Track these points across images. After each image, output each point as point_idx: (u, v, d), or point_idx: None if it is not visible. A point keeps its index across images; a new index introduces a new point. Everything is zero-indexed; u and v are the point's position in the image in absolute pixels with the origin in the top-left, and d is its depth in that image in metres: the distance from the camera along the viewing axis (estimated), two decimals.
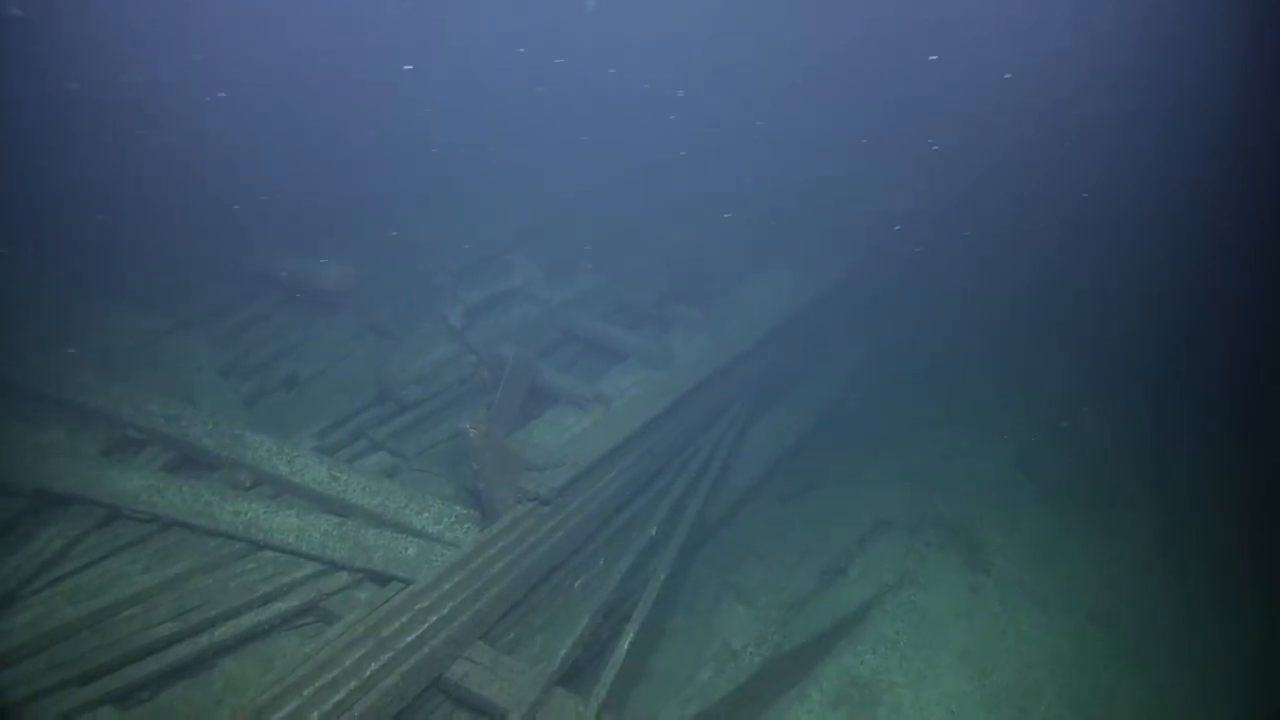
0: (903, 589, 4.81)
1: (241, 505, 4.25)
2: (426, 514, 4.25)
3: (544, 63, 9.35)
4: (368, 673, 3.39)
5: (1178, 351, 6.85)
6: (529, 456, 4.37)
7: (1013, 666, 4.35)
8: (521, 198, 8.11)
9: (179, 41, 7.94)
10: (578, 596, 4.35)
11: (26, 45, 7.14)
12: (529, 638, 4.12)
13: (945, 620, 4.62)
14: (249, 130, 7.78)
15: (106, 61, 7.39)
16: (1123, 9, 8.87)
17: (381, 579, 3.99)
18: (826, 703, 4.10)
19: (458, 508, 4.30)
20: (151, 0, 7.59)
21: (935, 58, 8.88)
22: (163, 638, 3.68)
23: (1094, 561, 5.11)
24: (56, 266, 6.32)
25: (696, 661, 4.39)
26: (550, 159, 8.85)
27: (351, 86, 8.72)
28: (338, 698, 3.29)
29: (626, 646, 3.87)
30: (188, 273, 6.55)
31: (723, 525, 5.46)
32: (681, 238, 7.37)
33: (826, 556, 5.19)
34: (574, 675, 3.92)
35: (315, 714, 3.22)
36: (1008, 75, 8.58)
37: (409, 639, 3.54)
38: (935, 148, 8.22)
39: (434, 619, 3.64)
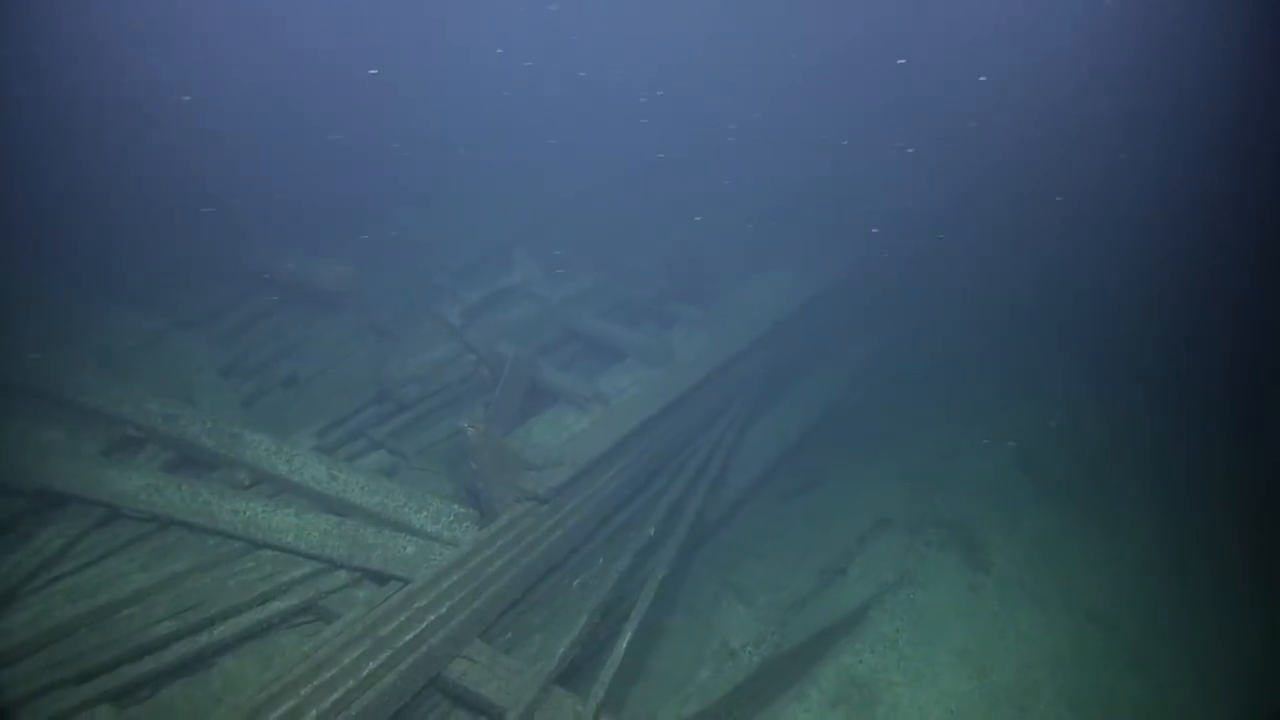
0: (902, 588, 4.81)
1: (240, 504, 4.25)
2: (425, 513, 4.25)
3: (514, 65, 9.32)
4: (366, 671, 3.39)
5: (1178, 351, 6.85)
6: (527, 455, 4.37)
7: (1012, 666, 4.35)
8: (521, 197, 8.12)
9: (179, 41, 7.95)
10: (576, 596, 4.35)
11: (26, 45, 7.15)
12: (527, 636, 4.12)
13: (945, 620, 4.62)
14: (249, 130, 7.78)
15: (106, 62, 7.40)
16: (1123, 9, 8.88)
17: (380, 578, 3.99)
18: (825, 702, 4.09)
19: (456, 507, 4.30)
20: (151, 0, 7.60)
21: (903, 61, 8.88)
22: (161, 636, 3.68)
23: (1094, 561, 5.10)
24: (56, 266, 6.32)
25: (695, 661, 4.39)
26: (550, 159, 8.85)
27: (351, 86, 8.73)
28: (335, 696, 3.29)
29: (625, 645, 3.87)
30: (187, 272, 6.56)
31: (722, 524, 5.45)
32: (681, 237, 7.36)
33: (826, 555, 5.18)
34: (572, 674, 3.92)
35: (313, 712, 3.22)
36: (982, 78, 8.57)
37: (407, 638, 3.55)
38: (910, 151, 8.21)
39: (432, 618, 3.64)
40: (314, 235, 7.06)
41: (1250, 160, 7.59)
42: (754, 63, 10.09)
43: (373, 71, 7.31)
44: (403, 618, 3.61)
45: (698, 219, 7.06)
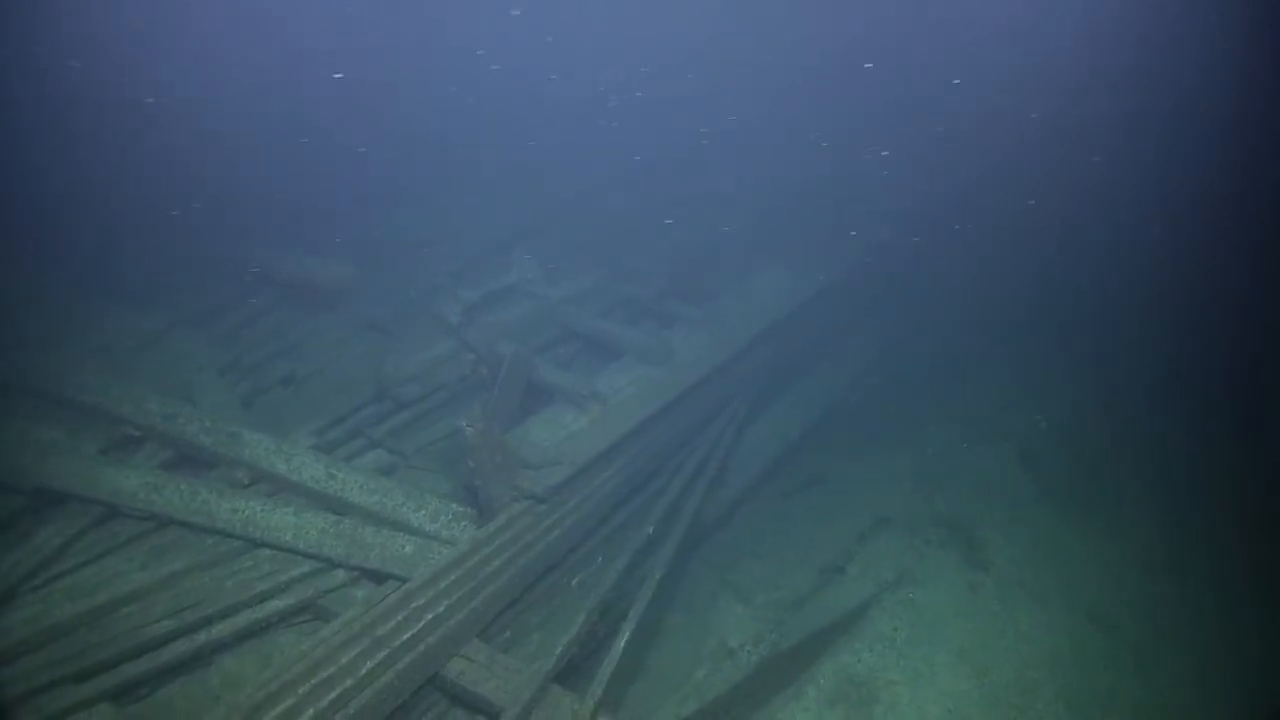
0: (901, 587, 4.81)
1: (239, 503, 4.25)
2: (423, 512, 4.25)
3: (480, 67, 9.27)
4: (363, 670, 3.39)
5: (1178, 351, 6.84)
6: (525, 454, 4.37)
7: (1011, 665, 4.35)
8: (521, 197, 8.12)
9: (179, 41, 7.96)
10: (574, 595, 4.35)
11: (26, 45, 7.16)
12: (525, 635, 4.12)
13: (944, 619, 4.62)
14: (248, 130, 7.79)
15: (106, 61, 7.41)
16: (1123, 8, 8.87)
17: (378, 577, 4.00)
18: (823, 701, 4.09)
19: (455, 505, 4.30)
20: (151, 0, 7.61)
21: (870, 66, 8.89)
22: (160, 635, 3.68)
23: (1094, 561, 5.10)
24: (56, 266, 6.33)
25: (693, 659, 4.39)
26: (550, 159, 8.85)
27: (351, 86, 8.74)
28: (333, 695, 3.29)
29: (623, 644, 3.87)
30: (187, 272, 6.56)
31: (721, 523, 5.45)
32: (681, 236, 7.37)
33: (825, 554, 5.18)
34: (571, 673, 3.92)
35: (311, 711, 3.23)
36: (956, 81, 8.57)
37: (405, 636, 3.55)
38: (885, 154, 8.22)
39: (430, 617, 3.64)
40: (313, 235, 7.06)
41: (1250, 160, 7.58)
42: (745, 65, 10.09)
43: (338, 75, 7.28)
44: (400, 617, 3.61)
45: (668, 221, 7.05)
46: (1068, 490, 5.68)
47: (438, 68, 9.70)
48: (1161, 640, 4.59)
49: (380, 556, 4.00)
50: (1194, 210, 7.70)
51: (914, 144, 8.69)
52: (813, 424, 6.35)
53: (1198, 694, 4.31)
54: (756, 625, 4.59)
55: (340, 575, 4.01)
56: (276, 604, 3.89)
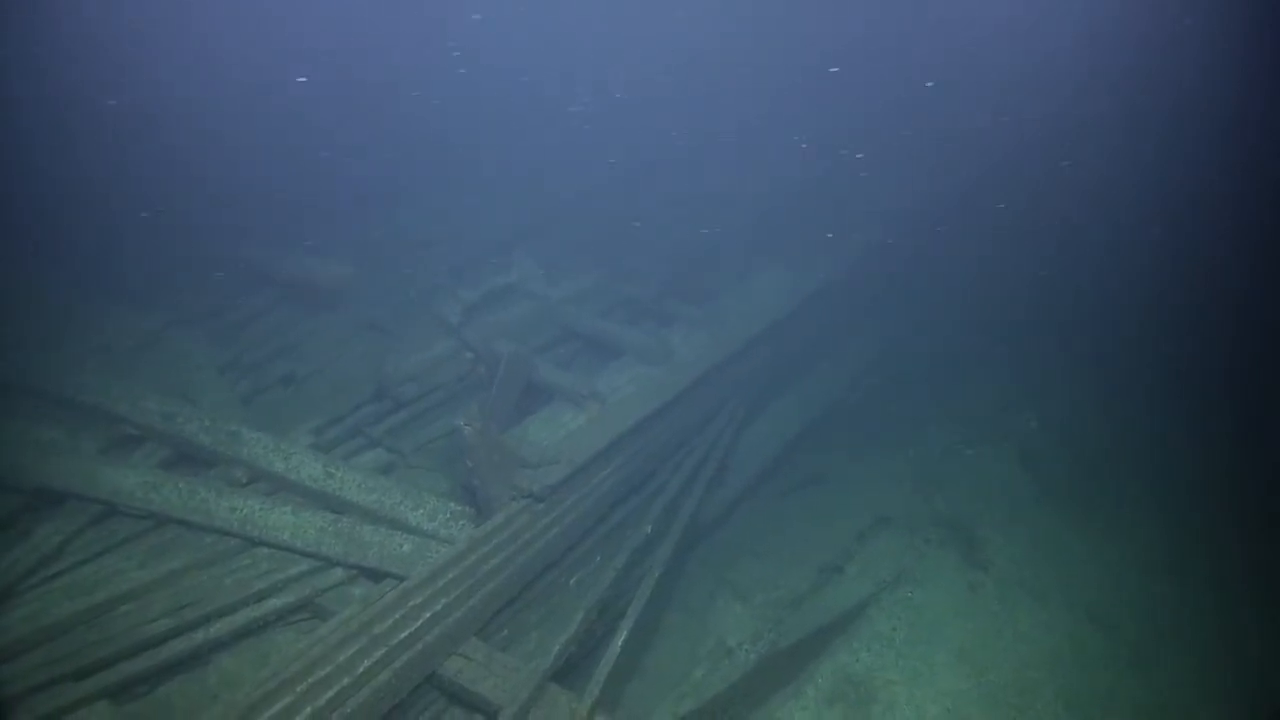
0: (900, 586, 4.80)
1: (237, 502, 4.26)
2: (421, 510, 4.25)
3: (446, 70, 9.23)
4: (361, 669, 3.39)
5: (1178, 351, 6.84)
6: (524, 453, 4.37)
7: (1010, 665, 4.34)
8: (521, 196, 8.12)
9: (179, 41, 7.97)
10: (573, 593, 4.35)
11: (26, 46, 7.18)
12: (524, 634, 4.12)
13: (943, 618, 4.61)
14: (247, 130, 7.80)
15: (105, 61, 7.42)
16: (1123, 8, 8.85)
17: (376, 575, 4.00)
18: (822, 700, 4.09)
19: (453, 504, 4.30)
20: (151, 0, 7.63)
21: (836, 69, 8.89)
22: (158, 633, 3.69)
23: (1094, 560, 5.09)
24: (56, 266, 6.34)
25: (691, 658, 4.38)
26: (549, 158, 8.85)
27: (350, 86, 8.75)
28: (331, 693, 3.29)
29: (620, 643, 3.86)
30: (186, 271, 6.57)
31: (720, 522, 5.45)
32: (680, 235, 7.38)
33: (824, 553, 5.18)
34: (569, 672, 3.91)
35: (308, 709, 3.23)
36: (929, 84, 8.58)
37: (402, 635, 3.55)
38: (859, 156, 8.22)
39: (428, 615, 3.64)
40: (313, 235, 7.07)
41: (1250, 159, 7.57)
42: (744, 65, 10.08)
43: (301, 80, 7.28)
44: (398, 615, 3.61)
45: (636, 224, 7.03)
46: (1068, 490, 5.68)
47: (408, 69, 9.69)
48: (1161, 640, 4.58)
49: (378, 555, 4.00)
50: (1194, 210, 7.70)
51: (912, 144, 8.69)
52: (812, 423, 6.35)
53: (1197, 694, 4.30)
54: (755, 624, 4.58)
55: (338, 574, 4.02)
56: (274, 602, 3.89)
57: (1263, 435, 5.96)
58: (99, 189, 6.80)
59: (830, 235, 7.02)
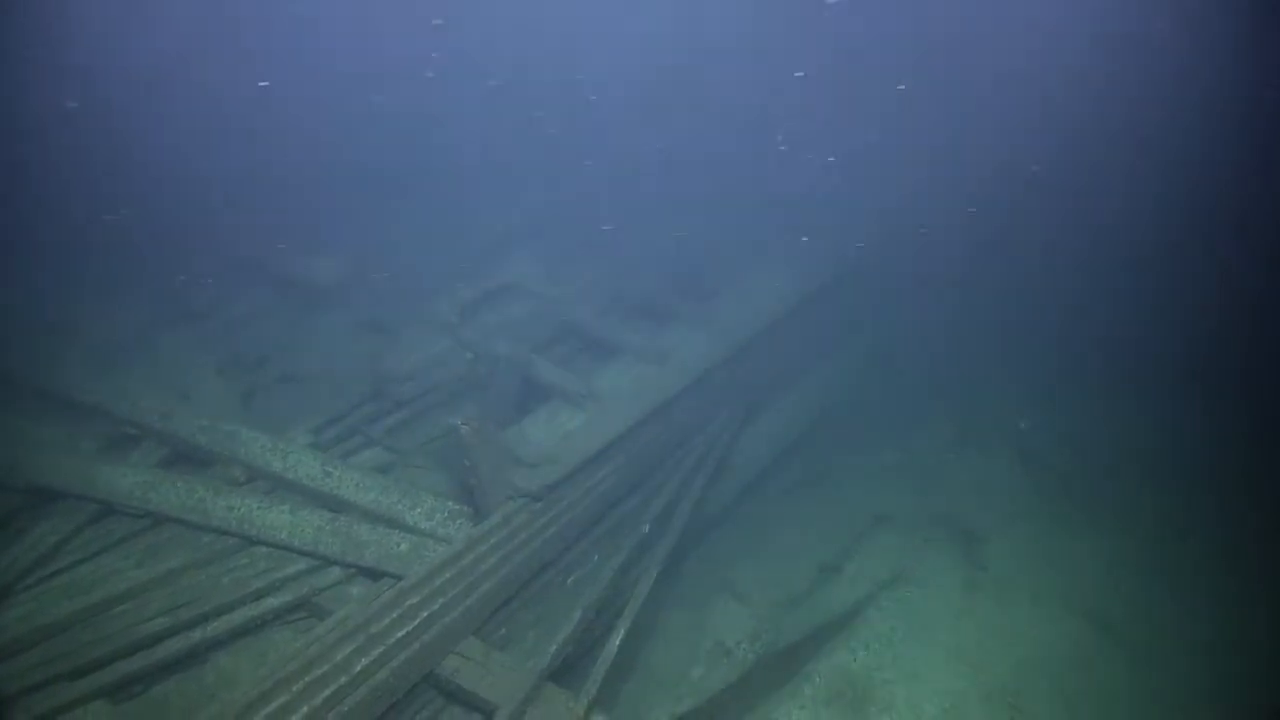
0: (899, 586, 4.80)
1: (235, 501, 4.25)
2: (419, 510, 4.25)
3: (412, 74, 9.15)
4: (358, 668, 3.39)
5: (1179, 351, 6.83)
6: (521, 453, 4.37)
7: (1007, 664, 4.33)
8: (520, 195, 8.11)
9: (177, 40, 7.96)
10: (571, 593, 4.34)
11: (27, 46, 7.17)
12: (521, 633, 4.11)
13: (941, 617, 4.61)
14: (246, 129, 7.80)
15: (110, 61, 7.41)
16: (1143, 9, 8.78)
17: (374, 574, 4.00)
18: (819, 699, 4.08)
19: (450, 504, 4.29)
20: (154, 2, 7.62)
21: (801, 74, 8.87)
22: (155, 632, 3.69)
23: (1092, 560, 5.08)
24: (54, 264, 6.34)
25: (689, 658, 4.39)
26: (548, 157, 8.83)
27: (348, 86, 8.74)
28: (328, 692, 3.29)
29: (618, 642, 3.87)
30: (184, 270, 6.56)
31: (718, 522, 5.45)
32: (679, 234, 7.36)
33: (823, 553, 5.18)
34: (567, 671, 3.91)
35: (305, 708, 3.23)
36: (901, 86, 8.56)
37: (400, 634, 3.55)
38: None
39: (425, 614, 3.64)
40: (312, 234, 7.06)
41: (1264, 158, 7.54)
42: (743, 65, 10.05)
43: (263, 84, 7.25)
44: (395, 614, 3.61)
45: (607, 228, 7.00)
46: (1066, 489, 5.68)
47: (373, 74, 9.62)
48: (1159, 639, 4.57)
49: (375, 554, 4.00)
50: (1207, 209, 7.68)
51: (912, 144, 8.68)
52: (811, 422, 6.35)
53: (1196, 693, 4.29)
54: (753, 624, 4.58)
55: (336, 573, 4.02)
56: (272, 601, 3.90)
57: (1262, 435, 5.96)
58: (97, 187, 6.79)
59: (827, 235, 7.00)
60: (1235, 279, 7.25)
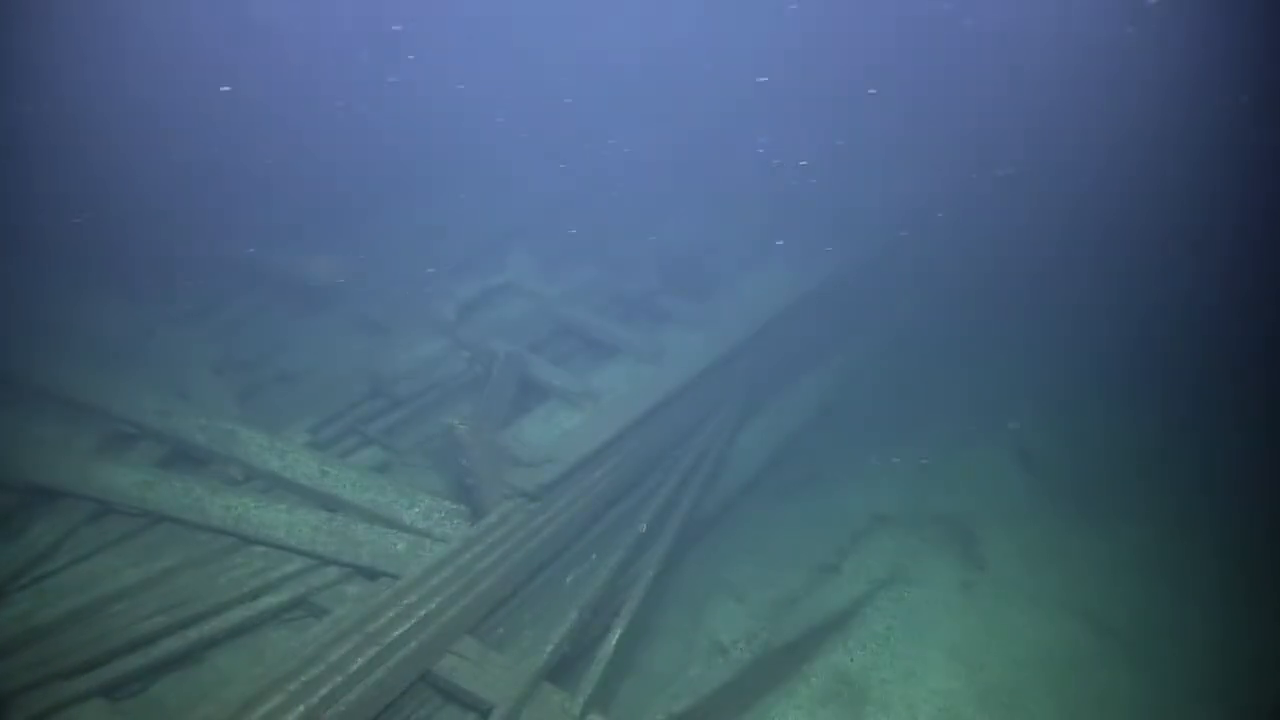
0: (896, 585, 4.81)
1: (232, 500, 4.25)
2: (416, 509, 4.25)
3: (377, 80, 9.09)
4: (354, 667, 3.40)
5: (1179, 351, 6.83)
6: (518, 452, 4.37)
7: (1004, 664, 4.34)
8: (517, 193, 8.10)
9: (175, 42, 7.95)
10: (568, 592, 4.35)
11: (26, 44, 7.16)
12: (518, 633, 4.11)
13: (937, 617, 4.61)
14: (243, 127, 7.79)
15: (108, 61, 7.41)
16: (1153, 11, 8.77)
17: (370, 574, 4.00)
18: (815, 699, 4.09)
19: (447, 503, 4.30)
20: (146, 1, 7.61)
21: (764, 79, 8.88)
22: (152, 631, 3.69)
23: (1090, 560, 5.09)
24: (52, 262, 6.33)
25: (686, 657, 4.39)
26: (545, 156, 8.82)
27: (346, 84, 8.73)
28: (324, 692, 3.29)
29: (614, 641, 3.87)
30: (181, 268, 6.56)
31: (716, 521, 5.44)
32: (677, 232, 7.36)
33: (820, 552, 5.18)
34: (564, 671, 3.92)
35: (301, 708, 3.23)
36: (872, 90, 8.57)
37: (396, 634, 3.55)
38: (761, 150, 8.22)
39: (421, 614, 3.65)
40: (311, 233, 7.06)
41: (1265, 159, 7.53)
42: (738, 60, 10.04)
43: (225, 89, 7.24)
44: (392, 614, 3.61)
45: (573, 231, 6.96)
46: (1064, 489, 5.68)
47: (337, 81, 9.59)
48: (1156, 640, 4.58)
49: (372, 553, 4.01)
50: (1207, 208, 7.68)
51: (910, 142, 8.68)
52: (810, 421, 6.34)
53: (1194, 694, 4.30)
54: (750, 623, 4.58)
55: (332, 572, 4.02)
56: (269, 600, 3.90)
57: (1261, 435, 5.96)
58: (96, 186, 6.79)
59: (781, 242, 7.00)
60: (1234, 277, 7.25)
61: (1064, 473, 5.87)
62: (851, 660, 4.30)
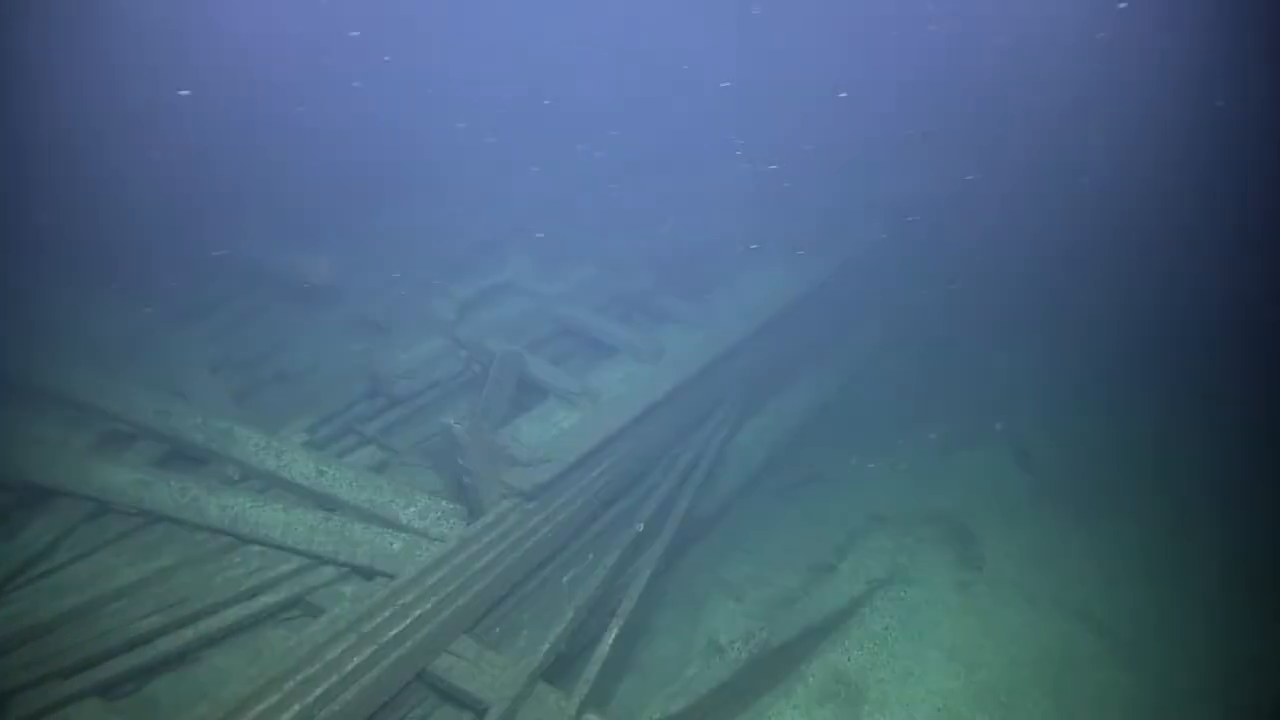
0: (893, 585, 4.81)
1: (228, 499, 4.25)
2: (413, 509, 4.24)
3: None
4: (350, 666, 3.39)
5: (1179, 351, 6.83)
6: (515, 452, 4.36)
7: (1001, 664, 4.35)
8: (515, 193, 8.09)
9: (177, 40, 7.94)
10: (565, 592, 4.35)
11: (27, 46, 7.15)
12: (515, 632, 4.12)
13: (935, 617, 4.62)
14: (240, 126, 7.79)
15: (107, 59, 7.40)
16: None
17: (367, 573, 4.00)
18: (812, 699, 4.09)
19: (444, 503, 4.29)
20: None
21: (727, 84, 8.87)
22: (148, 631, 3.68)
23: (1087, 560, 5.10)
24: (49, 260, 6.33)
25: (683, 656, 4.40)
26: (544, 155, 8.82)
27: (344, 84, 8.72)
28: (319, 691, 3.29)
29: (611, 641, 3.87)
30: (179, 267, 6.56)
31: (714, 520, 5.45)
32: (675, 232, 7.36)
33: (818, 552, 5.19)
34: (561, 670, 3.92)
35: (296, 707, 3.22)
36: (842, 94, 8.60)
37: (392, 633, 3.55)
38: (738, 153, 8.23)
39: (417, 613, 3.64)
40: (309, 232, 7.05)
41: (1266, 159, 7.53)
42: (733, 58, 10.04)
43: (183, 92, 7.23)
44: (388, 613, 3.60)
45: (539, 236, 6.98)
46: (1065, 489, 5.68)
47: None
48: (1154, 639, 4.58)
49: (369, 553, 4.00)
50: (1209, 210, 7.67)
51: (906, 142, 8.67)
52: (808, 421, 6.35)
53: (1193, 694, 4.30)
54: (747, 622, 4.59)
55: (329, 571, 4.01)
56: (265, 600, 3.89)
57: (1261, 435, 5.95)
58: (94, 185, 6.78)
59: (755, 246, 6.99)
60: (1233, 279, 7.25)
61: (1063, 472, 5.87)
62: (849, 660, 4.30)
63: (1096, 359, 7.03)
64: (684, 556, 5.17)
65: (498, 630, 4.09)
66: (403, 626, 3.58)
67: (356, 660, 3.42)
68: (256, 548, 4.11)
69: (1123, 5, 8.13)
